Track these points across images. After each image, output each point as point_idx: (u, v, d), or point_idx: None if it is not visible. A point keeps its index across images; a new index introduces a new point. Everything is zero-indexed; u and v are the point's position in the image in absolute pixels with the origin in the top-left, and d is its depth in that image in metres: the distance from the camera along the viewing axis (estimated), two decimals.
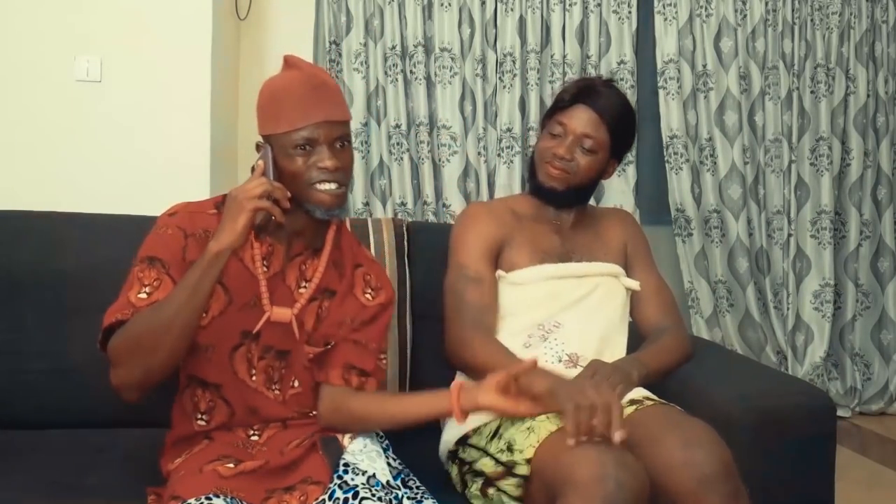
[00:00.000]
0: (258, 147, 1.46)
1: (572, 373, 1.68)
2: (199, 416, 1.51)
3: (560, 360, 1.70)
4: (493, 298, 1.77)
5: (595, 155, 1.79)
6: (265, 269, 1.49)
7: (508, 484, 1.49)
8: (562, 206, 1.85)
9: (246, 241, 1.35)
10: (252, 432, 1.52)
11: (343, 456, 1.44)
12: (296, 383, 1.53)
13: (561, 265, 1.81)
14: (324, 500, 1.35)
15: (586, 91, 1.79)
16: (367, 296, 1.58)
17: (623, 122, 1.82)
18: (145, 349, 1.35)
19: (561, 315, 1.76)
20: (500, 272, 1.80)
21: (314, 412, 1.54)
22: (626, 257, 1.90)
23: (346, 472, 1.40)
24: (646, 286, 1.88)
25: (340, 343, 1.53)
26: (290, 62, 1.49)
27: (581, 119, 1.78)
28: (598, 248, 1.86)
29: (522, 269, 1.79)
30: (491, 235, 1.81)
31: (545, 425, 1.50)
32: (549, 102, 3.37)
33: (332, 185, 1.43)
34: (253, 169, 1.42)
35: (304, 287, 1.52)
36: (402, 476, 1.48)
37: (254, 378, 1.50)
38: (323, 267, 1.53)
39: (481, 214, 1.85)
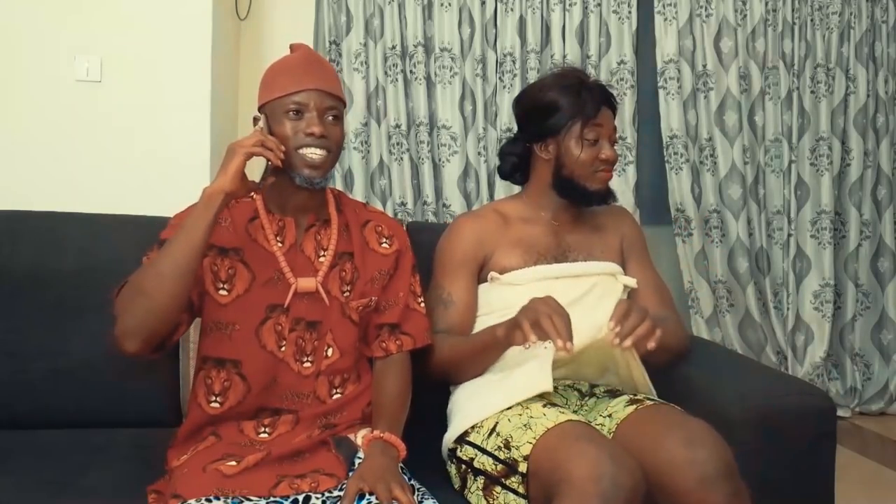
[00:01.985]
0: (255, 120, 1.56)
1: (571, 367, 1.68)
2: (213, 398, 1.55)
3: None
4: (465, 318, 1.79)
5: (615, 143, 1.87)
6: (280, 243, 1.58)
7: (513, 482, 1.49)
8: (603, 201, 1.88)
9: (238, 187, 1.44)
10: (262, 429, 1.54)
11: (358, 454, 1.46)
12: (329, 352, 1.59)
13: (556, 265, 1.81)
14: (339, 496, 1.36)
15: (588, 93, 1.80)
16: (384, 245, 1.68)
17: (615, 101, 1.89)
18: (145, 292, 1.42)
19: None
20: (493, 274, 1.80)
21: (337, 391, 1.59)
22: (623, 253, 1.90)
23: None
24: (642, 282, 1.88)
25: (372, 314, 1.64)
26: (293, 47, 1.62)
27: (608, 118, 1.83)
28: (595, 246, 1.86)
29: (517, 270, 1.79)
30: (472, 251, 1.82)
31: (542, 422, 1.50)
32: None
33: (317, 151, 1.51)
34: None
35: (323, 256, 1.60)
36: (411, 481, 1.49)
37: (283, 349, 1.56)
38: (336, 234, 1.62)
39: (464, 228, 1.85)
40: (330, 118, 1.53)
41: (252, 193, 1.60)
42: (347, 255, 1.63)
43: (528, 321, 1.52)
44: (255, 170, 1.53)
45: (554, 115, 1.81)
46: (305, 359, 1.57)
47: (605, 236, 1.89)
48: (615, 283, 1.84)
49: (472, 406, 1.66)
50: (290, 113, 1.51)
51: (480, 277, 1.84)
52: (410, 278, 1.70)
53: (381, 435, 1.48)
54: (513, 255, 1.81)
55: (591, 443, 1.40)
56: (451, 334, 1.77)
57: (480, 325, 1.82)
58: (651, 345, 1.52)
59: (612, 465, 1.34)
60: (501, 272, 1.80)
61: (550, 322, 1.49)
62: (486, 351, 1.68)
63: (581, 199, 1.84)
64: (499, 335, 1.62)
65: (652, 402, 1.62)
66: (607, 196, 1.84)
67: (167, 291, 1.42)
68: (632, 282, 1.86)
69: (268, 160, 1.47)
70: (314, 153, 1.51)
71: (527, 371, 1.62)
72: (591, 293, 1.80)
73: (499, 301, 1.79)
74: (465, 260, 1.81)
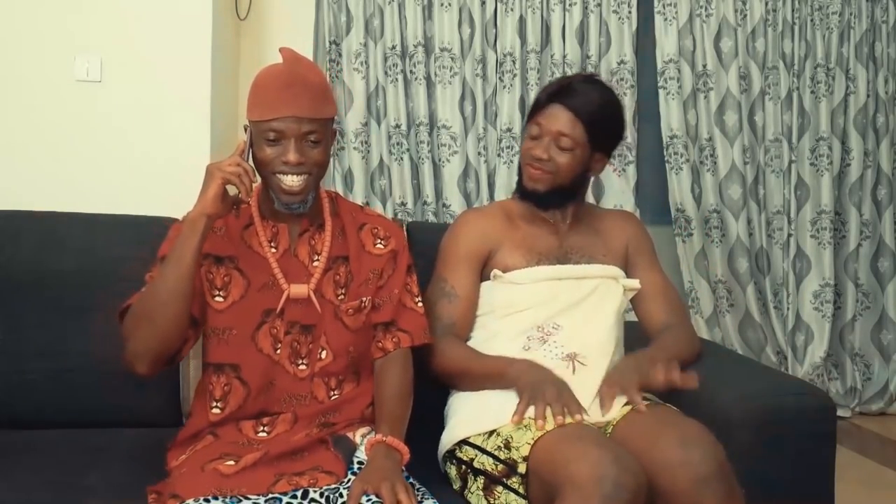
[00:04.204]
0: (245, 128, 1.57)
1: (569, 371, 1.68)
2: (214, 403, 1.56)
3: (558, 357, 1.70)
4: (467, 313, 1.80)
5: (572, 152, 1.79)
6: (273, 249, 1.59)
7: (514, 482, 1.48)
8: (549, 207, 1.85)
9: (219, 209, 1.46)
10: (261, 428, 1.54)
11: (356, 454, 1.47)
12: (323, 354, 1.60)
13: (559, 266, 1.81)
14: (337, 488, 1.37)
15: (562, 90, 1.80)
16: (379, 245, 1.68)
17: (602, 116, 1.81)
18: (145, 318, 1.47)
19: (559, 317, 1.75)
20: (496, 272, 1.80)
21: (334, 392, 1.59)
22: (628, 258, 1.89)
23: (360, 468, 1.41)
24: (650, 285, 1.87)
25: (371, 314, 1.64)
26: (282, 55, 1.58)
27: (556, 118, 1.78)
28: (597, 249, 1.86)
29: (519, 269, 1.79)
30: (476, 246, 1.82)
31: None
32: None
33: (293, 178, 1.52)
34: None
35: (317, 260, 1.61)
36: (410, 479, 1.49)
37: (278, 352, 1.58)
38: (329, 238, 1.63)
39: (470, 223, 1.86)
40: (309, 142, 1.52)
41: (248, 200, 1.61)
42: (342, 259, 1.64)
43: (527, 397, 1.55)
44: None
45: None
46: (300, 361, 1.58)
47: (608, 240, 1.89)
48: (616, 287, 1.84)
49: (466, 417, 1.65)
50: (269, 140, 1.52)
51: (483, 274, 1.84)
52: (406, 277, 1.70)
53: (384, 439, 1.49)
54: (516, 253, 1.81)
55: (593, 444, 1.40)
56: (454, 329, 1.77)
57: (481, 324, 1.82)
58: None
59: (615, 466, 1.34)
60: (504, 271, 1.80)
61: (543, 408, 1.52)
62: (493, 381, 1.68)
63: (519, 192, 1.86)
64: (510, 376, 1.64)
65: (647, 403, 1.62)
66: (542, 198, 1.82)
67: (166, 315, 1.45)
68: (634, 283, 1.86)
69: (238, 191, 1.48)
70: (290, 180, 1.52)
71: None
72: (593, 295, 1.80)
73: (501, 300, 1.79)
74: (468, 253, 1.82)
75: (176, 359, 1.55)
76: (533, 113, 1.83)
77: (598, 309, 1.79)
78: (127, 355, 1.49)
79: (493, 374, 1.67)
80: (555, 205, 1.84)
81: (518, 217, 1.87)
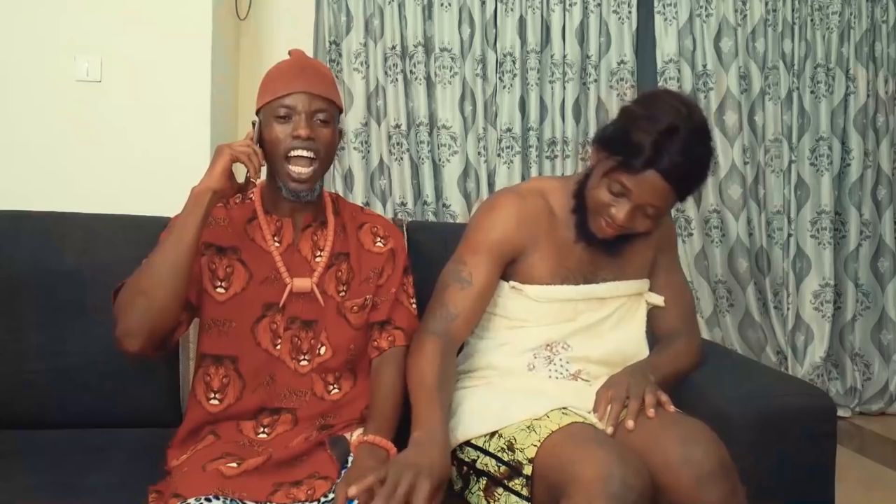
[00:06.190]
0: (254, 124, 1.59)
1: (574, 385, 1.67)
2: (213, 395, 1.57)
3: (564, 377, 1.69)
4: (475, 306, 1.66)
5: (656, 219, 1.62)
6: (277, 243, 1.60)
7: (516, 484, 1.48)
8: (610, 247, 1.70)
9: (225, 186, 1.47)
10: (261, 429, 1.54)
11: (351, 454, 1.47)
12: (322, 350, 1.60)
13: (583, 287, 1.71)
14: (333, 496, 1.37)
15: (661, 154, 1.52)
16: (379, 244, 1.70)
17: (697, 177, 1.59)
18: (143, 292, 1.44)
19: (573, 337, 1.71)
20: (515, 283, 1.70)
21: (333, 387, 1.60)
22: (655, 259, 1.82)
23: None
24: (668, 289, 1.83)
25: (371, 314, 1.65)
26: (290, 53, 1.64)
27: (650, 190, 1.55)
28: (629, 261, 1.76)
29: (542, 285, 1.69)
30: (510, 237, 1.67)
31: (546, 424, 1.50)
32: (549, 102, 3.39)
33: (304, 153, 1.53)
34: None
35: (320, 256, 1.63)
36: None
37: (278, 347, 1.58)
38: (332, 234, 1.64)
39: (510, 209, 1.68)
40: (319, 121, 1.54)
41: (251, 194, 1.63)
42: (343, 256, 1.65)
43: (383, 478, 1.32)
44: (242, 173, 1.54)
45: (621, 141, 1.58)
46: (302, 357, 1.59)
47: (644, 245, 1.77)
48: (640, 303, 1.79)
49: (468, 417, 1.62)
50: (280, 116, 1.53)
51: (506, 271, 1.71)
52: (402, 278, 1.70)
53: (366, 438, 1.49)
54: (544, 265, 1.69)
55: (598, 445, 1.40)
56: (456, 322, 1.64)
57: (493, 326, 1.75)
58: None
59: (621, 465, 1.33)
60: (525, 280, 1.70)
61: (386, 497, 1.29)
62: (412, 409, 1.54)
63: (583, 234, 1.68)
64: (411, 439, 1.45)
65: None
66: (608, 245, 1.67)
67: (164, 290, 1.44)
68: (659, 300, 1.80)
69: (247, 170, 1.49)
70: (301, 154, 1.52)
71: (526, 401, 1.58)
72: (611, 318, 1.74)
73: (516, 308, 1.72)
74: (500, 242, 1.67)
75: (166, 343, 1.52)
76: (620, 168, 1.56)
77: (616, 329, 1.74)
78: (118, 332, 1.46)
79: (413, 416, 1.52)
80: (617, 246, 1.70)
81: (558, 213, 1.71)
